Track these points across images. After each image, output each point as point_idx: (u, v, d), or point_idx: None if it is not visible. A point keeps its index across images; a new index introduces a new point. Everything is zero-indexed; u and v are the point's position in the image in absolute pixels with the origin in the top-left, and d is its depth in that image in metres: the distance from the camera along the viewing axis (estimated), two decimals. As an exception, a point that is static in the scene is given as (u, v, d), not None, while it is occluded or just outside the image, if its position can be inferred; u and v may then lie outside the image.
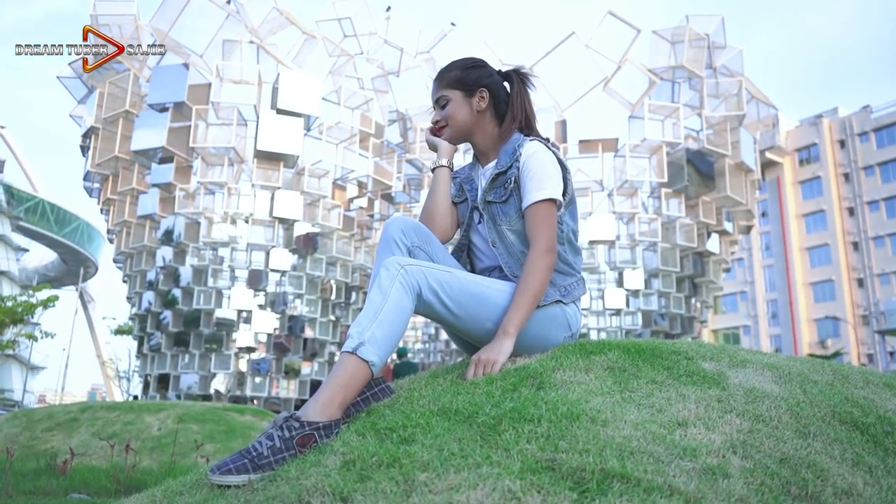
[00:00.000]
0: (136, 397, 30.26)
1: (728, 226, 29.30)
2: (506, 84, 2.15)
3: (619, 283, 27.96)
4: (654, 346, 1.85)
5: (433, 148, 2.17)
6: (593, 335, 28.43)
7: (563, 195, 1.97)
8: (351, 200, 28.52)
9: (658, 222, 27.64)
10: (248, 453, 1.44)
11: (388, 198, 29.87)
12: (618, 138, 27.71)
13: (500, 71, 2.16)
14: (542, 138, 2.05)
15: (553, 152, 2.00)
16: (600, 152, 27.62)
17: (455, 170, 2.20)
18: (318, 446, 1.46)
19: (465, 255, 2.13)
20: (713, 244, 28.88)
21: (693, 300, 28.89)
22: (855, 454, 1.33)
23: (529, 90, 2.15)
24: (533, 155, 1.94)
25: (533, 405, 1.39)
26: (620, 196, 28.12)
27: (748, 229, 32.01)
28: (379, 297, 1.67)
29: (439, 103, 2.11)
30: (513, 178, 1.96)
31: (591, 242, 27.74)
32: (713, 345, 2.03)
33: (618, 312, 28.36)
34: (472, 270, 2.12)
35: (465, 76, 2.08)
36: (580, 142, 28.03)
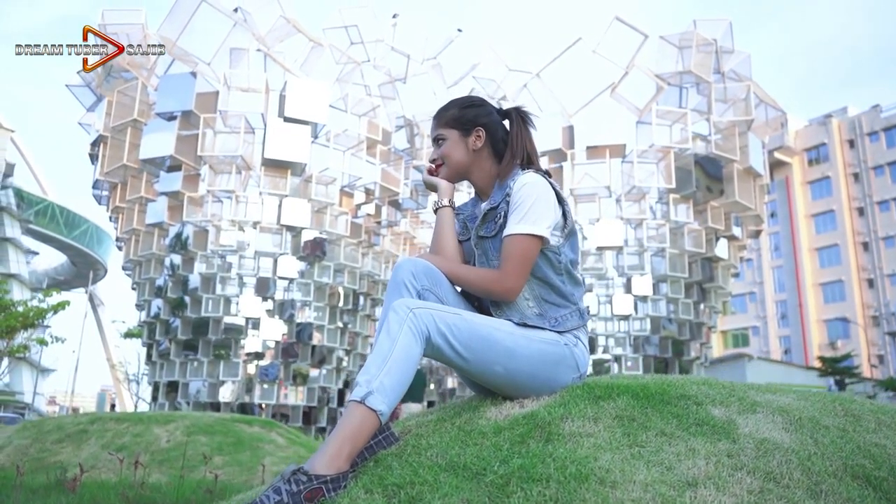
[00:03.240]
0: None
1: (736, 231, 29.12)
2: (505, 122, 2.14)
3: (627, 288, 27.84)
4: (662, 390, 1.83)
5: (432, 188, 2.15)
6: (601, 341, 28.32)
7: (563, 228, 1.95)
8: (358, 207, 28.53)
9: (666, 228, 27.52)
10: (255, 508, 1.44)
11: (395, 204, 29.87)
12: (625, 144, 27.58)
13: (499, 109, 2.16)
14: (542, 171, 2.03)
15: (551, 184, 1.97)
16: (608, 158, 27.53)
17: (458, 206, 2.18)
18: (325, 500, 1.46)
19: None
20: (721, 249, 28.71)
21: (701, 305, 28.73)
22: (867, 516, 1.32)
23: (530, 128, 2.13)
24: (524, 187, 1.91)
25: (541, 462, 1.38)
26: (628, 201, 28.00)
27: (757, 234, 31.81)
28: (388, 342, 1.67)
29: (437, 141, 2.11)
30: (502, 213, 1.94)
31: (599, 248, 27.66)
32: (722, 384, 2.01)
33: (626, 318, 28.24)
34: (479, 307, 2.09)
35: (462, 115, 2.08)
36: (587, 147, 27.92)
